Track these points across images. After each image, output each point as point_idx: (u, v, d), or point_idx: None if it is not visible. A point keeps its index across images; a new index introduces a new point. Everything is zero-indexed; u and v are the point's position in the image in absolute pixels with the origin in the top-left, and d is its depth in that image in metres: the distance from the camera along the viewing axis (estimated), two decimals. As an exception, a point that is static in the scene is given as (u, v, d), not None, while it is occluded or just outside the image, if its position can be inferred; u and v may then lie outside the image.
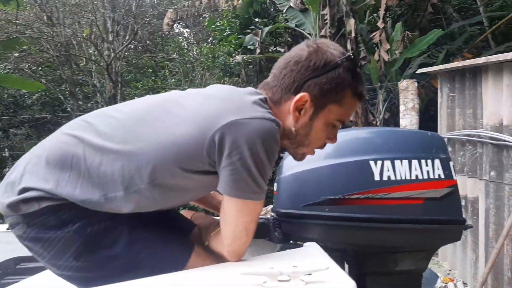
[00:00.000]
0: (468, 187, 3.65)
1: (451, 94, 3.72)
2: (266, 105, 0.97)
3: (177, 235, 1.06)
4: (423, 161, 1.17)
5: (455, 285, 3.74)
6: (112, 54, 8.40)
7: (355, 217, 1.10)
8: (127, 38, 9.39)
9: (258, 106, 0.93)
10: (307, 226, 1.15)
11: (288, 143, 1.02)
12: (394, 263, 1.19)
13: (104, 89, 9.05)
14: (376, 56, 5.36)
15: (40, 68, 9.62)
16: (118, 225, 0.95)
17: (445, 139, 4.05)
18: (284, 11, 7.24)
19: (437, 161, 1.19)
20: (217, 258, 0.99)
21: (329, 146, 1.20)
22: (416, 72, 3.77)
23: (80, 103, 9.95)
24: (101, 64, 8.69)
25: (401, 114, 2.63)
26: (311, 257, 0.94)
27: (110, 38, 8.56)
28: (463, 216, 1.25)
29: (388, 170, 1.13)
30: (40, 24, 8.62)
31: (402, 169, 1.15)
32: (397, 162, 1.15)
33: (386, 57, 5.15)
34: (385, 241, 1.14)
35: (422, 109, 6.06)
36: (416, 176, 1.16)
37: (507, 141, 2.91)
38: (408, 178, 1.15)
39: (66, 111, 9.51)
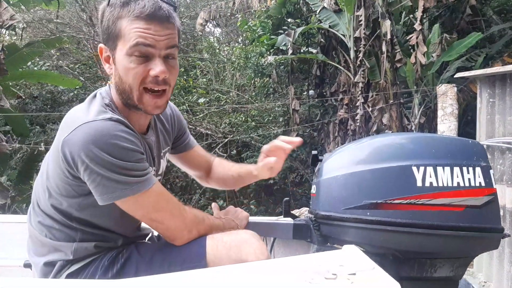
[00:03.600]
0: (507, 196, 3.53)
1: (491, 99, 3.61)
2: (98, 100, 1.02)
3: None
4: (464, 168, 1.17)
5: (489, 296, 3.63)
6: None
7: (396, 221, 1.11)
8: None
9: (86, 112, 0.97)
10: (347, 229, 1.17)
11: (121, 98, 1.03)
12: (433, 269, 1.19)
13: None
14: (412, 59, 5.26)
15: (77, 66, 9.97)
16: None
17: (484, 146, 3.93)
18: (317, 11, 7.20)
19: (478, 169, 1.19)
20: (230, 233, 1.07)
21: (370, 151, 1.22)
22: (455, 76, 3.68)
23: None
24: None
25: (439, 120, 2.59)
26: (353, 258, 0.95)
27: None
28: (502, 225, 1.23)
29: (430, 177, 1.13)
30: (79, 24, 8.96)
31: (444, 176, 1.14)
32: (439, 169, 1.14)
33: (423, 60, 5.05)
34: (425, 246, 1.14)
35: (460, 114, 5.90)
36: (458, 183, 1.15)
37: (551, 150, 2.80)
38: (450, 185, 1.14)
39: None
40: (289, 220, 1.25)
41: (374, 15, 6.31)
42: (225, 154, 8.34)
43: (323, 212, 1.20)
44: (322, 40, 7.55)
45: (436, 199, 1.13)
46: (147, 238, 1.20)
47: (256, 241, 1.02)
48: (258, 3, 8.78)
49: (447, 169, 1.15)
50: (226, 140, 8.32)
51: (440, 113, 2.63)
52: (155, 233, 1.25)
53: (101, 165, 0.91)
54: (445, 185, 1.14)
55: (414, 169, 1.14)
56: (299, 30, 7.29)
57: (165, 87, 1.03)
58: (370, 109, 5.95)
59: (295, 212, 1.49)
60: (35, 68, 7.76)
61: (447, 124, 2.99)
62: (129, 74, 0.99)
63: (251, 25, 8.74)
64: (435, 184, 1.13)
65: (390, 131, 5.93)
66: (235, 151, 8.49)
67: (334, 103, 7.42)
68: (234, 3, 8.99)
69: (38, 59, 7.99)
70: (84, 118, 0.94)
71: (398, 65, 5.63)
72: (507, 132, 3.48)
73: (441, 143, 1.24)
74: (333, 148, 7.27)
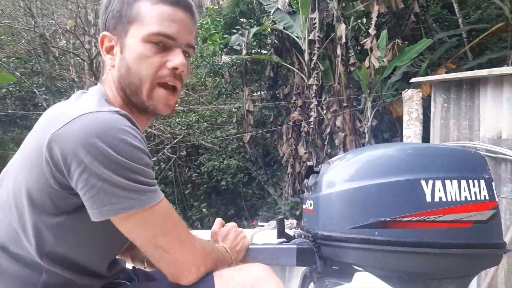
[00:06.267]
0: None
1: (445, 104, 3.72)
2: (94, 93, 0.83)
3: None
4: (470, 181, 1.10)
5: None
6: (94, 49, 8.06)
7: (407, 241, 1.01)
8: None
9: (82, 104, 0.78)
10: (351, 250, 1.05)
11: (123, 95, 0.86)
12: (439, 290, 1.11)
13: (83, 84, 8.70)
14: (366, 63, 5.35)
15: (11, 60, 9.15)
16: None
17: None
18: (271, 12, 7.15)
19: (482, 182, 1.13)
20: (241, 269, 0.90)
21: (375, 163, 1.11)
22: (410, 82, 3.76)
23: (55, 98, 9.54)
24: (84, 58, 8.33)
25: (404, 125, 2.60)
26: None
27: (92, 32, 8.22)
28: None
29: (439, 191, 1.05)
30: (16, 13, 8.20)
31: (453, 190, 1.07)
32: (447, 182, 1.06)
33: (376, 64, 5.15)
34: (434, 267, 1.06)
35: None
36: (466, 197, 1.08)
37: (506, 155, 2.92)
38: (458, 199, 1.07)
39: (37, 106, 9.09)
40: (291, 244, 1.10)
41: (328, 19, 6.36)
42: (174, 156, 8.03)
43: (326, 232, 1.07)
44: (275, 41, 7.51)
45: (445, 216, 1.05)
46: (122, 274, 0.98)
47: (272, 279, 0.86)
48: (210, 1, 8.57)
49: (455, 182, 1.08)
50: (176, 140, 8.02)
51: (405, 118, 2.64)
52: (132, 266, 1.05)
53: (105, 166, 0.69)
54: (454, 199, 1.06)
55: (423, 183, 1.05)
56: (253, 30, 7.19)
57: (178, 84, 0.89)
58: (324, 111, 5.98)
59: (264, 224, 1.35)
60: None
61: (412, 129, 3.03)
62: (142, 64, 0.83)
63: (204, 23, 8.51)
64: (444, 199, 1.05)
65: (343, 134, 6.01)
66: (185, 152, 8.21)
67: (287, 105, 7.41)
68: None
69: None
70: (83, 109, 0.73)
71: (352, 68, 5.71)
72: (462, 136, 3.61)
73: (446, 154, 1.17)
74: (286, 150, 7.25)
